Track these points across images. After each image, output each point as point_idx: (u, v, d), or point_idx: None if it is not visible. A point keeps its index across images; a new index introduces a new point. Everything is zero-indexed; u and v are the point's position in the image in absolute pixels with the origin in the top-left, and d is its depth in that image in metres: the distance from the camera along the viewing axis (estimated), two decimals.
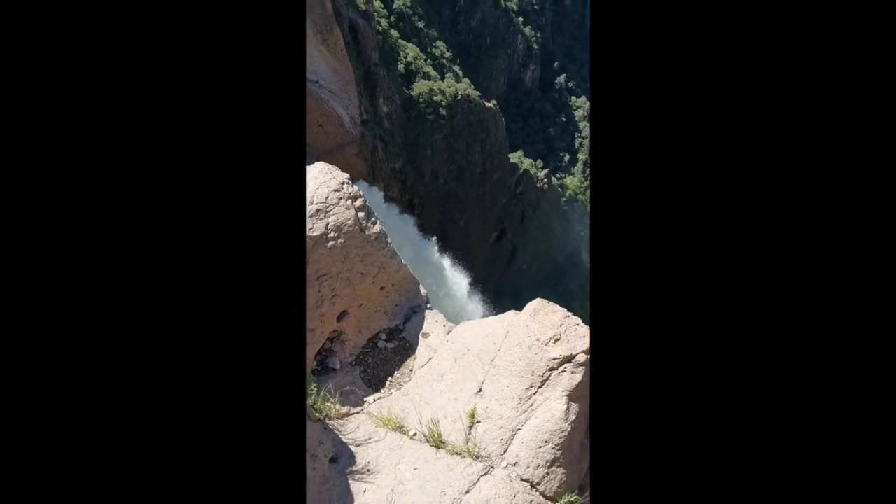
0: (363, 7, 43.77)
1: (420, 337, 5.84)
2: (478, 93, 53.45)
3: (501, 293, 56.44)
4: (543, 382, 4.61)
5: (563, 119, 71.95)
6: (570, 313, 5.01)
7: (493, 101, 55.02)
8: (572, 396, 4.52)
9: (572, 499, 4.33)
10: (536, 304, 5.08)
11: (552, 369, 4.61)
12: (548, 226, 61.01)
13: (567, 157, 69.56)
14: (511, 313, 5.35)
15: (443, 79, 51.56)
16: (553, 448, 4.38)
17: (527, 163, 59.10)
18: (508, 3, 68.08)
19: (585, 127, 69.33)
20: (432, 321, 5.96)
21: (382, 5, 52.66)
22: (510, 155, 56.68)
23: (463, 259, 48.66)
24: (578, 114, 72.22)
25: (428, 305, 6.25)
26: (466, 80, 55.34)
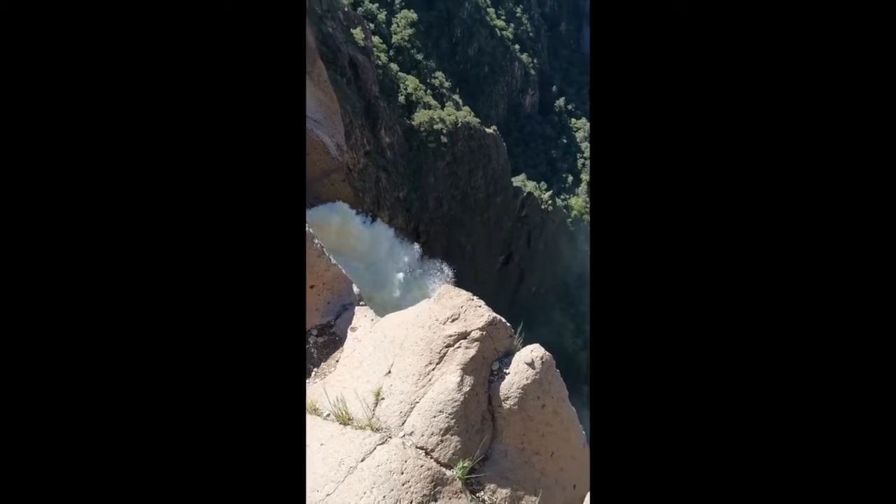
0: (362, 43, 45.31)
1: (349, 331, 6.22)
2: (478, 119, 54.46)
3: (512, 319, 56.21)
4: (441, 359, 4.94)
5: (565, 141, 72.76)
6: (474, 297, 5.37)
7: (494, 127, 55.97)
8: (466, 369, 4.84)
9: (466, 464, 4.60)
10: (442, 289, 5.45)
11: (448, 346, 4.94)
12: (555, 247, 61.06)
13: (570, 179, 70.08)
14: (423, 301, 5.72)
15: (443, 108, 52.72)
16: (447, 417, 4.68)
17: (530, 185, 59.64)
18: (504, 33, 69.78)
19: (587, 148, 70.00)
20: (361, 316, 6.35)
21: (381, 41, 54.34)
22: (513, 179, 57.31)
23: (469, 285, 48.90)
24: (579, 135, 73.01)
25: (361, 302, 6.64)
26: (466, 108, 56.44)
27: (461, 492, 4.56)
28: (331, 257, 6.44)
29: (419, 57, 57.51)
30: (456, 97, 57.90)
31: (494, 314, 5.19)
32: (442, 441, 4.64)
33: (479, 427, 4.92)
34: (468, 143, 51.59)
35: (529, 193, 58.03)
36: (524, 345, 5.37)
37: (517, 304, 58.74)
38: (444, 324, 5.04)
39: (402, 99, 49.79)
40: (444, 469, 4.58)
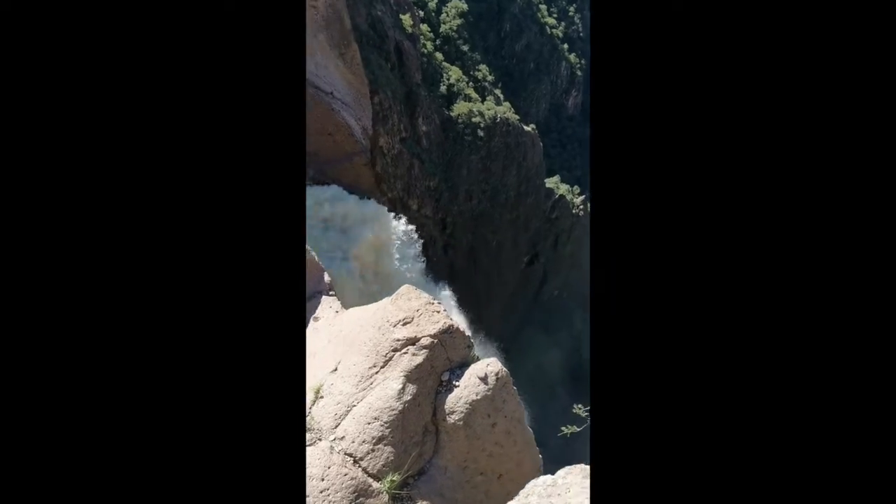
0: (410, 30, 45.13)
1: (311, 320, 6.01)
2: (517, 116, 53.74)
3: (532, 319, 55.69)
4: (386, 363, 4.68)
5: None
6: (434, 301, 5.08)
7: (533, 126, 55.15)
8: (410, 377, 4.57)
9: (395, 477, 4.35)
10: (402, 290, 5.18)
11: (395, 350, 4.68)
12: (581, 252, 60.10)
13: None
14: (385, 299, 5.46)
15: (483, 101, 52.19)
16: (381, 425, 4.42)
17: (563, 188, 58.63)
18: (554, 31, 68.51)
19: None
20: (326, 307, 6.13)
21: (429, 29, 54.06)
22: (546, 180, 56.44)
23: (493, 283, 48.44)
24: None
25: (330, 292, 6.42)
26: (507, 104, 55.76)
27: None
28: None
29: (465, 48, 57.00)
30: (497, 92, 57.23)
31: (451, 321, 4.89)
32: (373, 450, 4.39)
33: (418, 439, 4.65)
34: (505, 140, 50.97)
35: (561, 196, 57.10)
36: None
37: (538, 305, 58.14)
38: (395, 326, 4.77)
39: (443, 89, 49.45)
40: (371, 480, 4.33)
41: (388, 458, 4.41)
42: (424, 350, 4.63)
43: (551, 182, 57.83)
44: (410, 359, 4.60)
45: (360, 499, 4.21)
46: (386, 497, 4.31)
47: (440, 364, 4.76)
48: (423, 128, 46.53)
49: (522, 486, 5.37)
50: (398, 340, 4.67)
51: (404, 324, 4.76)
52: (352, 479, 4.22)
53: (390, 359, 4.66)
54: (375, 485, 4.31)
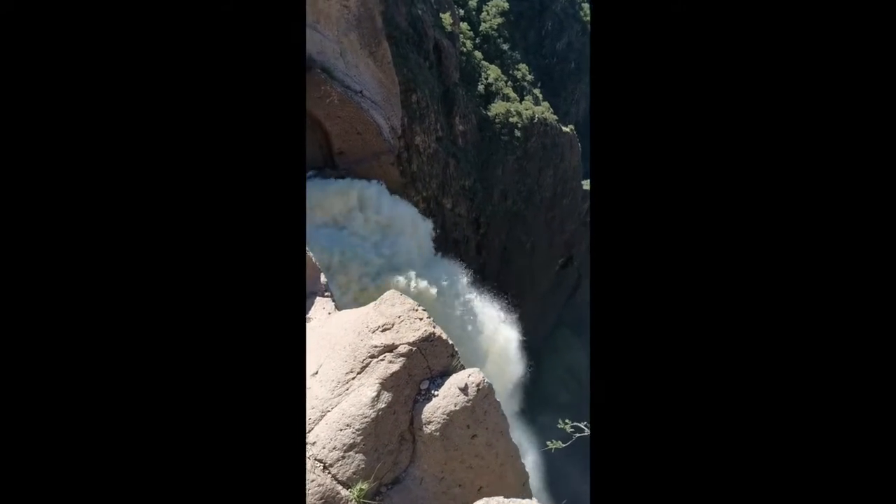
0: (449, 28, 45.06)
1: None
2: (556, 117, 53.01)
3: (563, 322, 54.88)
4: (363, 369, 4.63)
5: None
6: (419, 308, 4.99)
7: (572, 126, 54.34)
8: (385, 385, 4.50)
9: (364, 486, 4.29)
10: (387, 295, 5.11)
11: (372, 357, 4.62)
12: None
13: None
14: (371, 304, 5.40)
15: (521, 101, 51.69)
16: (353, 432, 4.37)
17: None
18: None
19: None
20: (319, 308, 6.13)
21: (469, 27, 53.87)
22: (584, 182, 55.52)
23: (524, 285, 47.93)
24: None
25: (326, 293, 6.42)
26: (546, 104, 55.07)
27: None
28: None
29: (505, 47, 56.53)
30: (536, 91, 56.56)
31: (433, 329, 4.80)
32: (344, 457, 4.34)
33: (393, 448, 4.58)
34: (542, 140, 50.36)
35: None
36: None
37: (570, 308, 57.34)
38: (374, 332, 4.71)
39: (481, 88, 49.20)
40: (340, 487, 4.29)
41: (359, 465, 4.36)
42: (402, 358, 4.56)
43: (588, 184, 56.89)
44: (387, 366, 4.54)
45: None
46: None
47: (419, 372, 4.68)
48: (460, 127, 46.41)
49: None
50: (376, 347, 4.61)
51: (383, 330, 4.70)
52: (319, 485, 4.19)
53: (367, 365, 4.61)
54: (344, 492, 4.26)
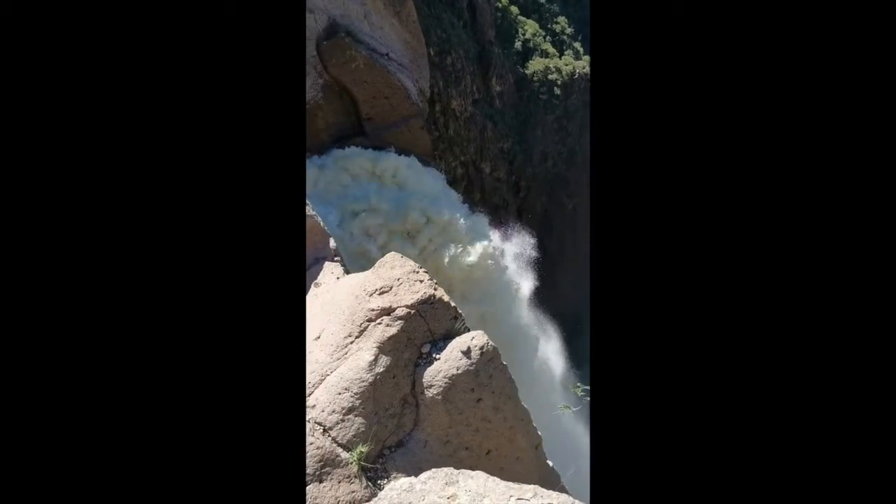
0: None
1: (312, 286, 5.99)
2: None
3: None
4: (361, 333, 4.55)
5: None
6: (420, 270, 4.85)
7: None
8: (383, 349, 4.42)
9: (364, 448, 4.26)
10: (387, 257, 4.99)
11: (370, 320, 4.53)
12: None
13: None
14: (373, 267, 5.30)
15: (561, 56, 49.81)
16: (352, 396, 4.33)
17: None
18: None
19: None
20: (328, 272, 6.08)
21: None
22: None
23: (566, 247, 47.14)
24: None
25: (336, 258, 6.36)
26: (587, 58, 52.93)
27: (355, 476, 4.25)
28: (310, 206, 6.18)
29: (542, 0, 54.31)
30: (577, 45, 54.30)
31: (434, 291, 4.66)
32: (343, 420, 4.32)
33: (395, 411, 4.53)
34: (583, 97, 48.56)
35: None
36: None
37: None
38: (371, 296, 4.61)
39: (518, 45, 47.63)
40: (340, 449, 4.28)
41: (358, 428, 4.33)
42: (399, 321, 4.45)
43: None
44: (383, 330, 4.45)
45: (326, 468, 4.17)
46: (355, 467, 4.24)
47: (419, 336, 4.57)
48: (497, 88, 45.21)
49: (516, 462, 5.14)
50: (373, 310, 4.52)
51: (381, 293, 4.60)
52: (318, 447, 4.18)
53: (364, 329, 4.53)
54: (344, 455, 4.25)
